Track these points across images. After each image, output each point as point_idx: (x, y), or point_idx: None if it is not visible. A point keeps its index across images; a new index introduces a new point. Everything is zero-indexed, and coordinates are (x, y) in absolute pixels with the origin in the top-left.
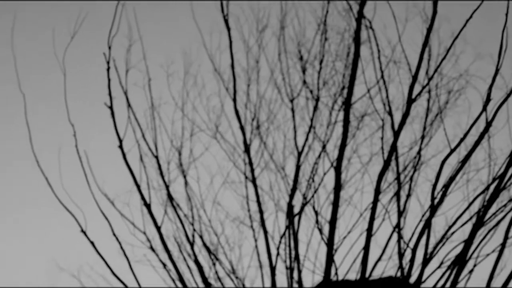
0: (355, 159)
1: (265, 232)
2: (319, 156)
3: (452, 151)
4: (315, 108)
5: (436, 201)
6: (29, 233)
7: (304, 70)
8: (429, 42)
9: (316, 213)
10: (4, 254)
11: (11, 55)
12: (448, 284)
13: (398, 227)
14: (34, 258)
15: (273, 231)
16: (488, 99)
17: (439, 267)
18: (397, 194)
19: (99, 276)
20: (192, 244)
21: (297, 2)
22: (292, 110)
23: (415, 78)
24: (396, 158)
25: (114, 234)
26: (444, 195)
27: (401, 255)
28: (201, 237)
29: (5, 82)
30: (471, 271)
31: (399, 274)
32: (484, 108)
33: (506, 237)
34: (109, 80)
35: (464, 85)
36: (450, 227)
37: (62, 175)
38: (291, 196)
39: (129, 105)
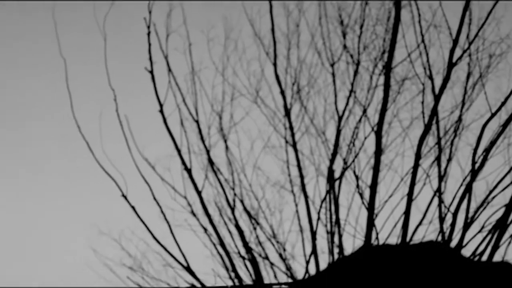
0: (396, 123)
1: (306, 196)
2: (360, 120)
3: (493, 115)
4: (356, 72)
5: (477, 165)
6: (70, 197)
7: (344, 35)
8: (469, 6)
9: (357, 177)
10: (46, 219)
11: (52, 20)
12: (489, 249)
13: (439, 192)
14: (75, 223)
15: (314, 195)
16: None
17: (480, 231)
18: (438, 159)
19: (139, 240)
20: (233, 209)
21: None
22: (333, 75)
23: (455, 42)
24: (437, 122)
25: (155, 199)
26: (485, 159)
27: (442, 220)
28: (241, 201)
29: (46, 47)
30: None
31: (440, 238)
32: None
33: None
34: (149, 44)
35: (505, 49)
36: (491, 192)
37: (103, 140)
38: (332, 161)
39: (169, 70)
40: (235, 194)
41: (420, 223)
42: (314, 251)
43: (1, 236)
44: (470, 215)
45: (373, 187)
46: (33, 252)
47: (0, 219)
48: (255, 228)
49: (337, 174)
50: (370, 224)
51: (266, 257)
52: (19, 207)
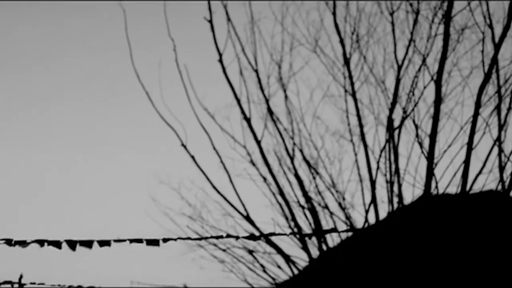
0: (455, 72)
1: (365, 146)
2: (419, 69)
3: None
4: (415, 21)
5: None
6: (131, 147)
7: None
8: None
9: (416, 126)
10: (107, 168)
11: None
12: None
13: (498, 141)
14: (135, 172)
15: (373, 144)
16: None
17: None
18: (498, 107)
19: (199, 189)
20: (292, 158)
21: None
22: (392, 24)
23: None
24: (497, 71)
25: (214, 148)
26: None
27: (501, 169)
28: (301, 151)
29: None
30: None
31: (499, 187)
32: None
33: None
34: None
35: None
36: None
37: (162, 90)
38: (391, 110)
39: (228, 19)
40: (294, 144)
41: (479, 172)
42: (373, 200)
43: (62, 185)
44: None
45: (433, 136)
46: (94, 202)
47: (62, 168)
48: (314, 178)
49: (396, 123)
50: (430, 173)
51: (326, 206)
52: (80, 156)
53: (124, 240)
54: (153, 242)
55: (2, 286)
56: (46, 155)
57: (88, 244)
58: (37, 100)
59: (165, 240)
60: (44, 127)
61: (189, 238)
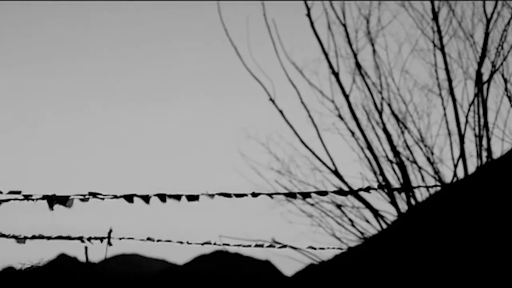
0: None
1: (454, 100)
2: (508, 23)
3: None
4: None
5: None
6: (220, 102)
7: None
8: None
9: (505, 80)
10: (197, 124)
11: None
12: None
13: None
14: (224, 127)
15: (462, 99)
16: None
17: None
18: None
19: (287, 144)
20: (380, 113)
21: None
22: None
23: None
24: None
25: (303, 103)
26: None
27: None
28: (389, 105)
29: None
30: None
31: None
32: None
33: None
34: None
35: None
36: None
37: (250, 45)
38: (480, 64)
39: None
40: (382, 98)
41: None
42: (462, 155)
43: (152, 140)
44: None
45: None
46: (183, 156)
47: (154, 124)
48: (402, 132)
49: (485, 77)
50: None
51: (414, 161)
52: (171, 112)
53: (213, 195)
54: (241, 196)
55: (91, 240)
56: (137, 112)
57: (177, 198)
58: (133, 59)
59: (254, 195)
60: (135, 83)
61: (278, 193)
